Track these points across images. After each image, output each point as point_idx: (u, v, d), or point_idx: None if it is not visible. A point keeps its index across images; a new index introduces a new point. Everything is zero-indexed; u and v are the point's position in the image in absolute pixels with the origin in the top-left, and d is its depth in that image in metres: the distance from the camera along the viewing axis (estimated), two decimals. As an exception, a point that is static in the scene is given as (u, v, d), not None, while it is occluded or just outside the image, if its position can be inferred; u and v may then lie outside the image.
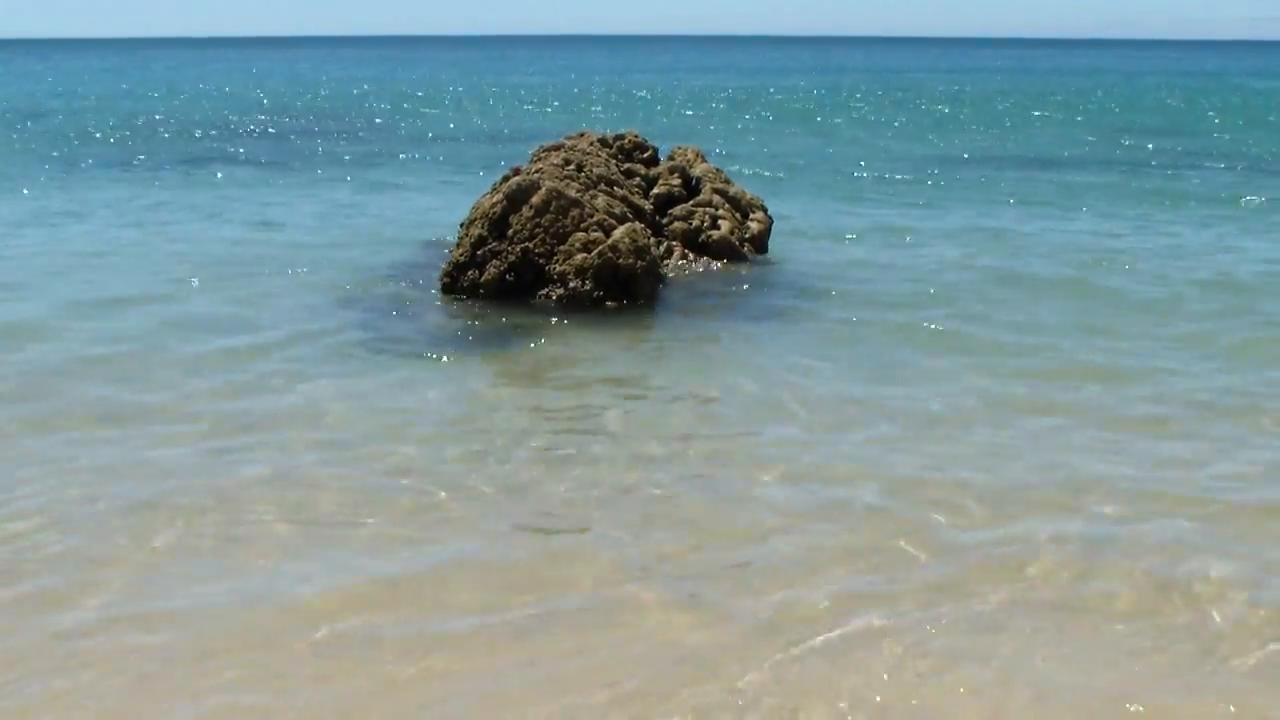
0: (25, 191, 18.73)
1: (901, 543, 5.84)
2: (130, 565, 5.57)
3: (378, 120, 35.94)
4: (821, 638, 4.92)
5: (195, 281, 11.75)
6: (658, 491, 6.50)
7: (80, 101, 43.86)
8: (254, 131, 31.55)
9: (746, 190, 13.72)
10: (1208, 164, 23.63)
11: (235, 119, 35.69)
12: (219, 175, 21.44)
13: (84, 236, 14.55)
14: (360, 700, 4.50)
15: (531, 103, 44.74)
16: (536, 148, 13.36)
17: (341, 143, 28.52)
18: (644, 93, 51.13)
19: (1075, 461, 6.97)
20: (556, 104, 43.92)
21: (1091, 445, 7.25)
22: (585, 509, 6.27)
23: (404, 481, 6.62)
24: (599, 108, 41.69)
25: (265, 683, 4.60)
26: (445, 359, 9.09)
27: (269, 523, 6.08)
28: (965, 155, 25.39)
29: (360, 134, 31.06)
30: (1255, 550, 5.81)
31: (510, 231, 10.76)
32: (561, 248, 10.62)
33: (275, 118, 36.49)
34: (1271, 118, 36.82)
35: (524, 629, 5.00)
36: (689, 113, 38.68)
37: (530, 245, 10.66)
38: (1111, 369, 8.91)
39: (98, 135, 29.53)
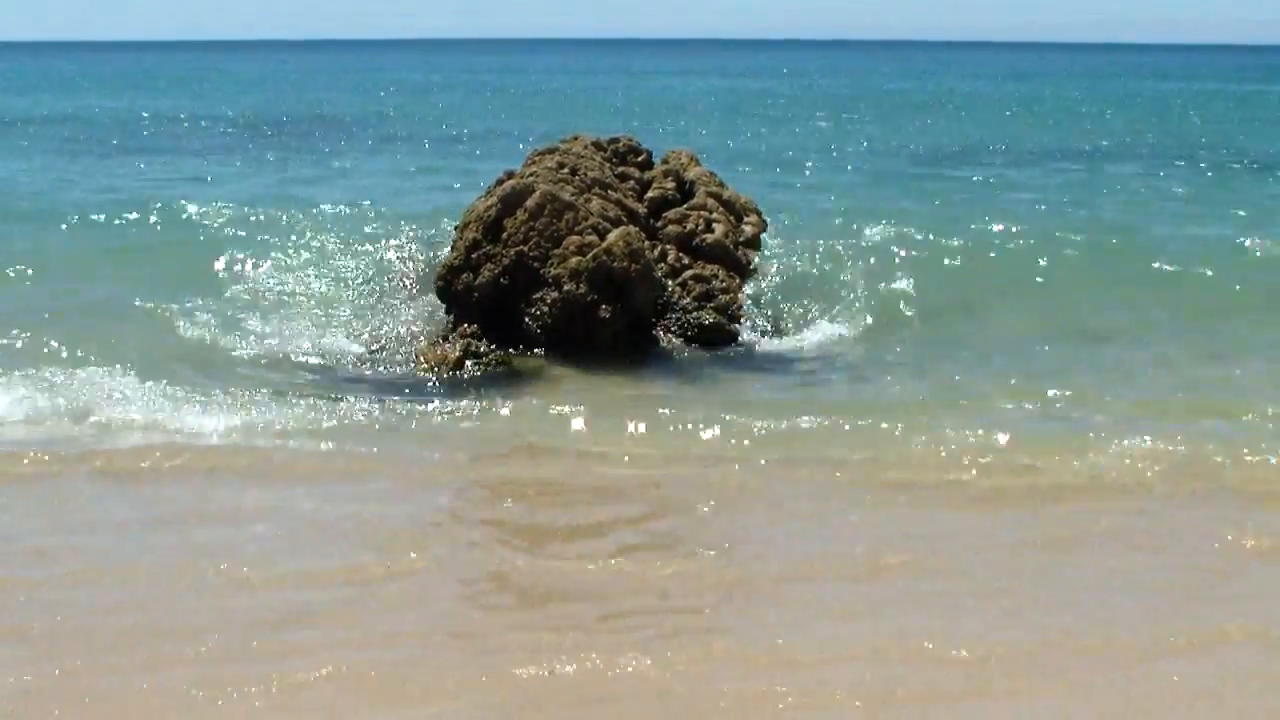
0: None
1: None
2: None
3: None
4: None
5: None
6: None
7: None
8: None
9: (740, 193, 13.72)
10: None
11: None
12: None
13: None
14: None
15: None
16: (531, 151, 13.34)
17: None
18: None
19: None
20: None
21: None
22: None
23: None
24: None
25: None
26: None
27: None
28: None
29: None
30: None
31: (504, 235, 10.76)
32: (556, 251, 10.61)
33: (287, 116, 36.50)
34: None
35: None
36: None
37: (524, 249, 10.66)
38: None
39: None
